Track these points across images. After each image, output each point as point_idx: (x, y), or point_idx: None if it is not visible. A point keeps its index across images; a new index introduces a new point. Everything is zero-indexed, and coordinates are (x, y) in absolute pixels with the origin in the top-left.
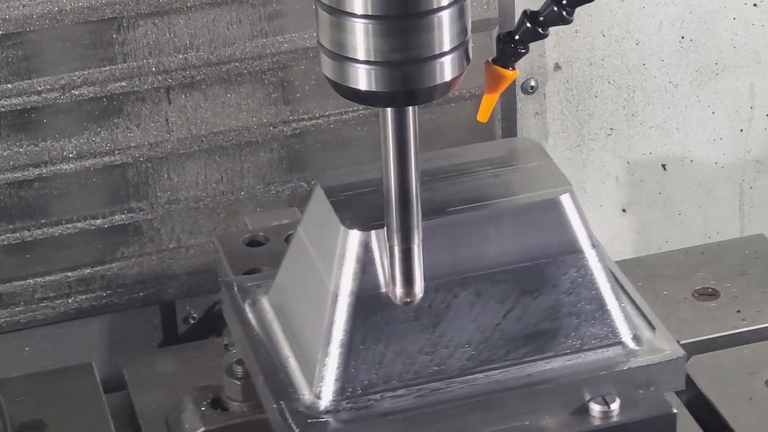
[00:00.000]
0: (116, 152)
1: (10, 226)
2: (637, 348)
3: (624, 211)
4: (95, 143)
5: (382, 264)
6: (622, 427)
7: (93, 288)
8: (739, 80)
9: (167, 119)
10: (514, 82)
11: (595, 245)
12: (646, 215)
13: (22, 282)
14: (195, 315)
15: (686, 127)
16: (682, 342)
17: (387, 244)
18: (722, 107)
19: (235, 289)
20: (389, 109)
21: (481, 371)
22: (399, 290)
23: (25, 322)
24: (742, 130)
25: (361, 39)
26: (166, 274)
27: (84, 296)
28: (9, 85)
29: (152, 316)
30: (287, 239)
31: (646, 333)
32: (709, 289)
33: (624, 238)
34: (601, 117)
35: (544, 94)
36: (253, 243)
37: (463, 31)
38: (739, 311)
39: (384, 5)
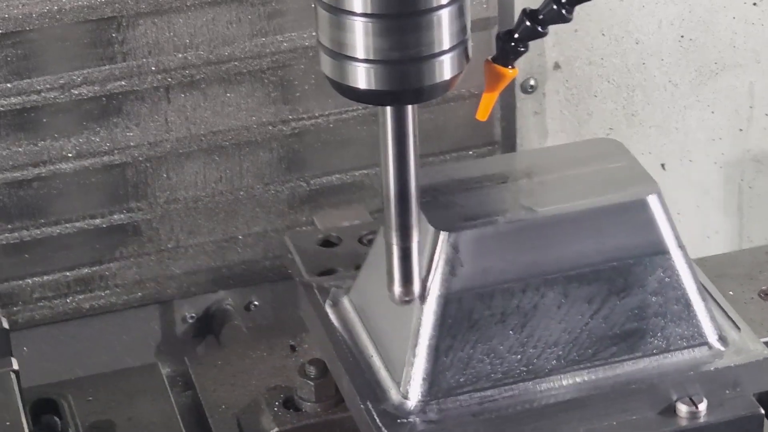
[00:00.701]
0: (115, 152)
1: (9, 226)
2: (723, 348)
3: None
4: (94, 143)
5: (472, 264)
6: (710, 427)
7: (91, 288)
8: (738, 80)
9: (166, 119)
10: (513, 81)
11: (681, 246)
12: None
13: (21, 282)
14: (193, 315)
15: (685, 126)
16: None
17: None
18: (722, 107)
19: (315, 289)
20: (389, 108)
21: (569, 371)
22: (397, 289)
23: (23, 322)
24: (741, 129)
25: (360, 37)
26: (165, 274)
27: (82, 296)
28: (8, 85)
29: (151, 316)
30: (361, 240)
31: (731, 333)
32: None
33: None
34: (601, 116)
35: (544, 94)
36: (327, 243)
37: (462, 29)
38: None
39: (383, 4)
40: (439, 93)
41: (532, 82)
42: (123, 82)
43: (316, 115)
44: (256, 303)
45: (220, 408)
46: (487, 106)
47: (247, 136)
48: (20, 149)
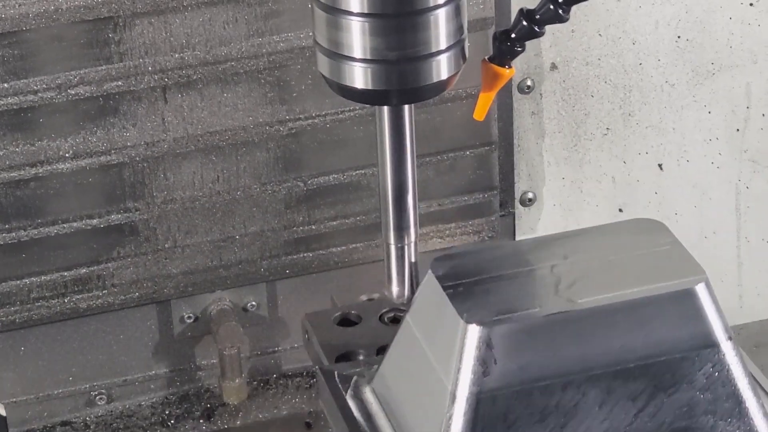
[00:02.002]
0: (112, 152)
1: (6, 226)
2: None
3: (620, 210)
4: (91, 143)
5: (506, 361)
6: None
7: (89, 288)
8: (735, 80)
9: (163, 119)
10: (510, 81)
11: (730, 337)
12: (643, 215)
13: (18, 282)
14: (191, 315)
15: (682, 126)
16: None
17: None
18: (718, 107)
19: (336, 378)
20: (385, 108)
21: None
22: (394, 288)
23: (20, 321)
24: (738, 129)
25: (357, 37)
26: (162, 274)
27: (80, 296)
28: (5, 85)
29: (148, 316)
30: (381, 318)
31: None
32: None
33: None
34: (598, 117)
35: (541, 94)
36: (345, 322)
37: (459, 29)
38: None
39: (380, 3)
40: (435, 93)
41: (529, 83)
42: (120, 83)
43: (313, 115)
44: (253, 303)
45: None
46: (484, 106)
47: (244, 137)
48: (17, 149)
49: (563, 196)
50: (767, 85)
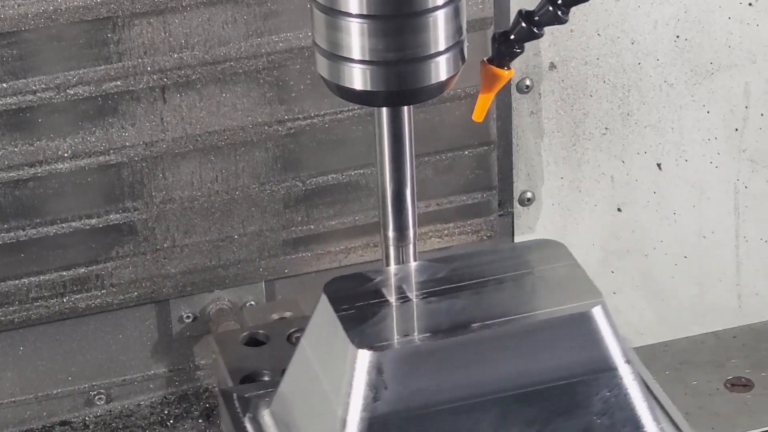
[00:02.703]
0: (111, 152)
1: (5, 226)
2: None
3: (619, 210)
4: (90, 143)
5: (397, 386)
6: None
7: (88, 287)
8: (734, 80)
9: (162, 119)
10: (509, 81)
11: (629, 360)
12: (641, 214)
13: (17, 281)
14: (190, 314)
15: (681, 126)
16: None
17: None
18: (717, 107)
19: (235, 401)
20: (384, 109)
21: None
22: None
23: (19, 321)
24: (737, 129)
25: (356, 38)
26: (161, 274)
27: (78, 296)
28: (4, 85)
29: (147, 316)
30: (289, 338)
31: None
32: (743, 379)
33: (619, 237)
34: (596, 116)
35: (539, 94)
36: (253, 342)
37: (458, 30)
38: None
39: (379, 5)
40: (434, 94)
41: (527, 82)
42: (119, 83)
43: (312, 115)
44: (252, 303)
45: None
46: (483, 107)
47: (243, 136)
48: (16, 149)
49: (562, 195)
50: (766, 84)
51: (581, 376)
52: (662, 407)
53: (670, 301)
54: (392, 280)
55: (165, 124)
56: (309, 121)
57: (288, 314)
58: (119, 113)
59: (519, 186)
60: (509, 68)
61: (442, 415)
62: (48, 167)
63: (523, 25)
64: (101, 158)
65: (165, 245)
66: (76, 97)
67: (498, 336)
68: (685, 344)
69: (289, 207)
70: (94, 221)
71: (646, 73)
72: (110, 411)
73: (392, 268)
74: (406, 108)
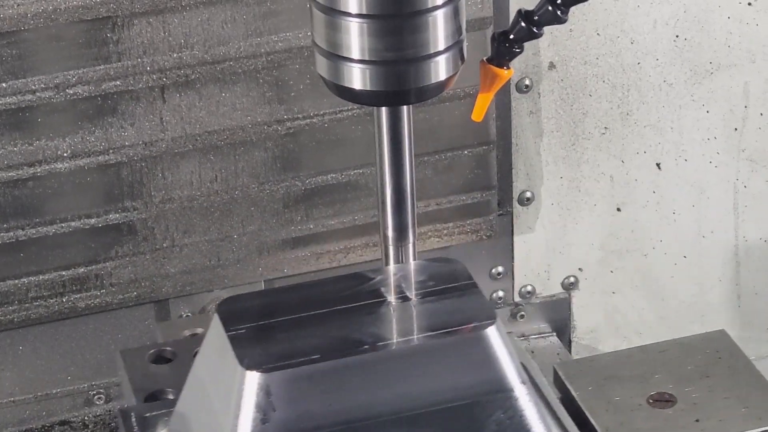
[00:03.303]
0: (110, 151)
1: (4, 225)
2: None
3: (618, 210)
4: (89, 142)
5: (285, 408)
6: None
7: (87, 287)
8: (733, 79)
9: (162, 118)
10: (508, 81)
11: (524, 381)
12: (641, 214)
13: (16, 281)
14: (189, 314)
15: (680, 126)
16: None
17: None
18: (716, 106)
19: (133, 420)
20: (384, 109)
21: None
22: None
23: (19, 321)
24: (736, 129)
25: (355, 38)
26: (160, 273)
27: (78, 295)
28: (3, 84)
29: (146, 315)
30: (196, 355)
31: None
32: (666, 395)
33: (618, 237)
34: (596, 116)
35: (539, 93)
36: (160, 359)
37: (457, 30)
38: (698, 420)
39: (379, 5)
40: (434, 93)
41: (527, 82)
42: (118, 82)
43: (311, 114)
44: None
45: None
46: (482, 106)
47: (242, 136)
48: (15, 149)
49: (561, 195)
50: (765, 84)
51: (476, 397)
52: (563, 425)
53: (669, 301)
54: (286, 300)
55: (164, 123)
56: (308, 120)
57: (200, 330)
58: (118, 113)
59: (518, 186)
60: (509, 68)
61: None
62: (47, 167)
63: (523, 24)
64: (100, 158)
65: (164, 245)
66: (75, 97)
67: (390, 357)
68: (611, 359)
69: (289, 207)
70: (93, 221)
71: (645, 72)
72: (109, 411)
73: (287, 286)
74: (405, 108)
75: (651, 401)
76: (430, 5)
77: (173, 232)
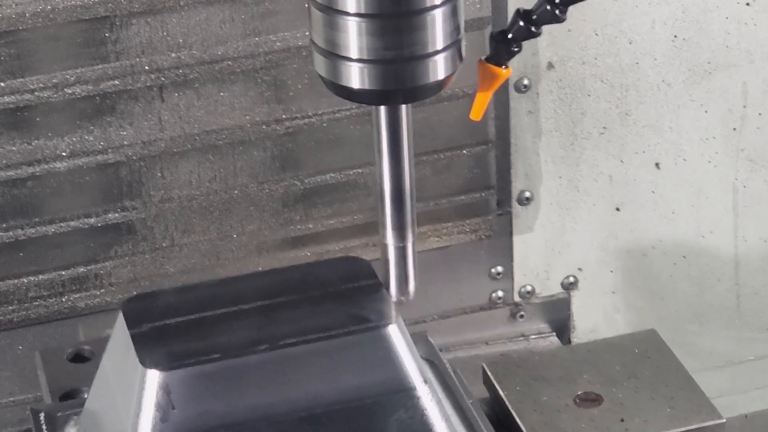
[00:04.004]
0: (109, 151)
1: (3, 225)
2: None
3: (617, 209)
4: (88, 142)
5: (185, 406)
6: None
7: (86, 287)
8: (732, 79)
9: (160, 118)
10: (507, 80)
11: (427, 380)
12: (640, 214)
13: (16, 281)
14: None
15: (679, 126)
16: None
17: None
18: (715, 106)
19: (41, 419)
20: (382, 108)
21: None
22: (393, 288)
23: (18, 320)
24: (735, 129)
25: (354, 37)
26: (160, 273)
27: (77, 295)
28: (2, 84)
29: None
30: None
31: None
32: (593, 395)
33: (617, 237)
34: (594, 116)
35: (537, 93)
36: (78, 358)
37: (456, 29)
38: (623, 420)
39: (377, 3)
40: (432, 92)
41: (525, 82)
42: (116, 82)
43: (310, 114)
44: None
45: None
46: (480, 106)
47: (241, 135)
48: (14, 148)
49: (560, 195)
50: (764, 84)
51: (377, 397)
52: (470, 422)
53: (668, 301)
54: (190, 299)
55: (163, 123)
56: (307, 120)
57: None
58: (117, 112)
59: (517, 185)
60: (507, 67)
61: None
62: (46, 166)
63: (521, 23)
64: (99, 157)
65: (164, 244)
66: (74, 96)
67: (290, 356)
68: (539, 359)
69: (288, 206)
70: (92, 220)
71: (644, 72)
72: None
73: (192, 284)
74: (404, 106)
75: (577, 401)
76: (428, 4)
77: (172, 231)
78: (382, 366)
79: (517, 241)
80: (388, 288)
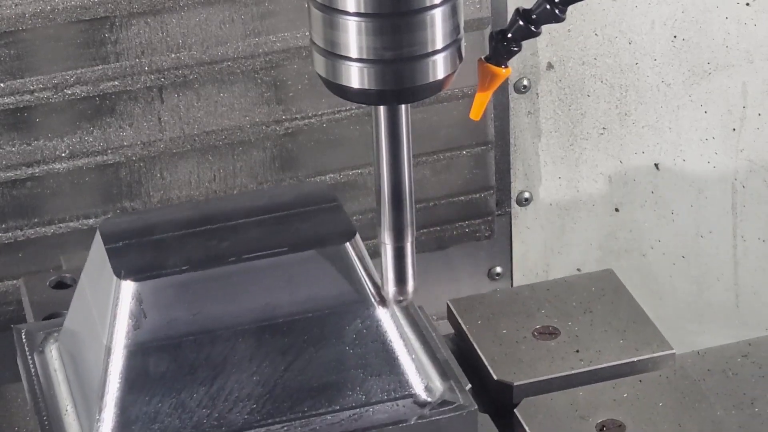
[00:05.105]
0: (109, 151)
1: (3, 226)
2: (429, 400)
3: (617, 210)
4: (88, 142)
5: (156, 315)
6: None
7: None
8: (731, 80)
9: (160, 118)
10: (506, 80)
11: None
12: (639, 214)
13: (15, 281)
14: None
15: (678, 126)
16: (516, 383)
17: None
18: (715, 107)
19: (23, 336)
20: (382, 108)
21: (263, 425)
22: (391, 289)
23: (17, 321)
24: (734, 129)
25: (353, 37)
26: None
27: None
28: (1, 84)
29: None
30: None
31: (438, 385)
32: (550, 328)
33: (617, 237)
34: (594, 116)
35: (537, 93)
36: (61, 285)
37: (455, 29)
38: (578, 351)
39: (377, 3)
40: (432, 92)
41: (525, 82)
42: (116, 82)
43: (309, 114)
44: None
45: None
46: (480, 105)
47: (241, 136)
48: (13, 149)
49: (559, 195)
50: (763, 84)
51: (333, 308)
52: (426, 339)
53: (667, 301)
54: (162, 219)
55: (163, 123)
56: (307, 120)
57: None
58: (117, 113)
59: (516, 186)
60: (507, 67)
61: (198, 343)
62: (46, 167)
63: (521, 23)
64: (99, 158)
65: None
66: (73, 97)
67: (253, 269)
68: (500, 296)
69: None
70: (92, 221)
71: (643, 73)
72: None
73: (163, 207)
74: (403, 107)
75: (536, 334)
76: (428, 4)
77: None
78: (339, 280)
79: (517, 241)
80: (387, 289)
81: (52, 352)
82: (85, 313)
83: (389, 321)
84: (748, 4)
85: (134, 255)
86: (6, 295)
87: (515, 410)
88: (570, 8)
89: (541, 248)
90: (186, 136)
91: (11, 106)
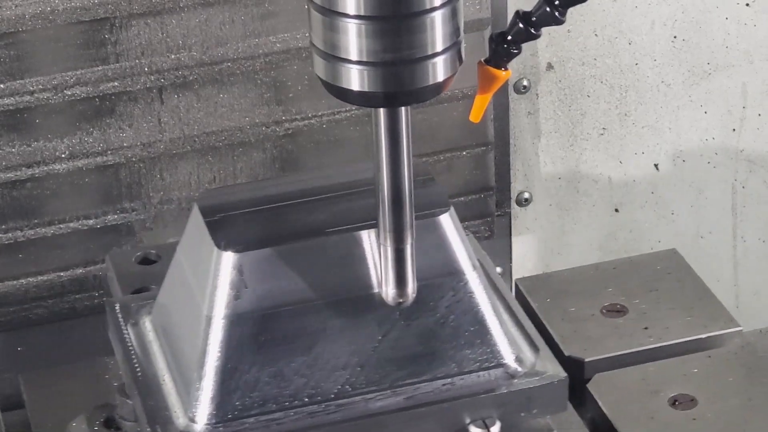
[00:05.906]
0: (109, 152)
1: (3, 227)
2: (519, 370)
3: (617, 210)
4: (88, 143)
5: (256, 285)
6: None
7: (86, 288)
8: (731, 80)
9: (160, 119)
10: (506, 82)
11: (475, 267)
12: (639, 215)
13: (15, 282)
14: None
15: (678, 126)
16: (587, 359)
17: (380, 244)
18: (714, 107)
19: (117, 309)
20: (382, 110)
21: (358, 394)
22: (391, 291)
23: (18, 322)
24: (734, 129)
25: (353, 39)
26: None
27: (77, 296)
28: (1, 85)
29: None
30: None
31: (529, 355)
32: (618, 306)
33: (617, 237)
34: (594, 117)
35: (537, 94)
36: (146, 261)
37: (455, 31)
38: (646, 328)
39: (376, 6)
40: (432, 95)
41: (525, 83)
42: (116, 83)
43: (309, 115)
44: None
45: (48, 426)
46: (480, 107)
47: (241, 137)
48: (13, 150)
49: (559, 195)
50: (763, 84)
51: (428, 279)
52: (512, 312)
53: None
54: (259, 192)
55: (162, 124)
56: (306, 121)
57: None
58: (117, 114)
59: (516, 186)
60: (507, 69)
61: (296, 313)
62: (46, 168)
63: (521, 25)
64: (99, 159)
65: None
66: (73, 98)
67: (350, 240)
68: (567, 275)
69: None
70: (91, 222)
71: (643, 73)
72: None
73: (262, 181)
74: (403, 109)
75: (603, 311)
76: (427, 6)
77: (172, 232)
78: (433, 251)
79: (517, 241)
80: (387, 291)
81: (146, 324)
82: (182, 286)
83: (482, 293)
84: (748, 5)
85: (232, 227)
86: (7, 296)
87: (587, 385)
88: (570, 9)
89: (541, 249)
90: (186, 137)
91: (11, 107)
